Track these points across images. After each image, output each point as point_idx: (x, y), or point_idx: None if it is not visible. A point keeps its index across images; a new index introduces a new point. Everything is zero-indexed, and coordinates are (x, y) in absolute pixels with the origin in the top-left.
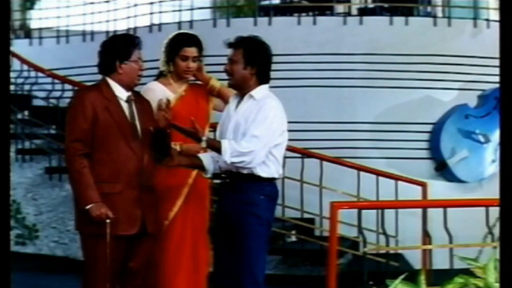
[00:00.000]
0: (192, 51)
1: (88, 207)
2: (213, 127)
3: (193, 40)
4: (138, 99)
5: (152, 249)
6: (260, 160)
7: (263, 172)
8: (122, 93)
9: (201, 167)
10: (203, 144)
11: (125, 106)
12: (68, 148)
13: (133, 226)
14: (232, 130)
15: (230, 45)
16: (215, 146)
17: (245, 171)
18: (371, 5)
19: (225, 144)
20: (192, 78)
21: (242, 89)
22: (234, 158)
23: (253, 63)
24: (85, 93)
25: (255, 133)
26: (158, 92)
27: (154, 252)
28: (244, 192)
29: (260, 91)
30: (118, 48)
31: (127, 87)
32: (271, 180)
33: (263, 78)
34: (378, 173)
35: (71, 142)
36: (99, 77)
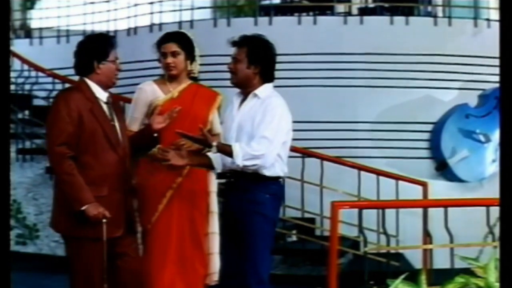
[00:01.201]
0: (168, 46)
1: (84, 207)
2: None
3: (170, 37)
4: (113, 100)
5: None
6: (271, 162)
7: (268, 171)
8: (102, 94)
9: (209, 166)
10: (214, 150)
11: (105, 107)
12: (55, 152)
13: (119, 228)
14: (235, 130)
15: (234, 43)
16: (226, 151)
17: (250, 171)
18: (371, 5)
19: (236, 148)
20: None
21: (245, 88)
22: (246, 161)
23: (257, 62)
24: (69, 95)
25: (265, 134)
26: (149, 92)
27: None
28: (249, 191)
29: (265, 90)
30: (95, 48)
31: (106, 87)
32: (276, 179)
33: (267, 77)
34: (379, 173)
35: (58, 146)
36: None
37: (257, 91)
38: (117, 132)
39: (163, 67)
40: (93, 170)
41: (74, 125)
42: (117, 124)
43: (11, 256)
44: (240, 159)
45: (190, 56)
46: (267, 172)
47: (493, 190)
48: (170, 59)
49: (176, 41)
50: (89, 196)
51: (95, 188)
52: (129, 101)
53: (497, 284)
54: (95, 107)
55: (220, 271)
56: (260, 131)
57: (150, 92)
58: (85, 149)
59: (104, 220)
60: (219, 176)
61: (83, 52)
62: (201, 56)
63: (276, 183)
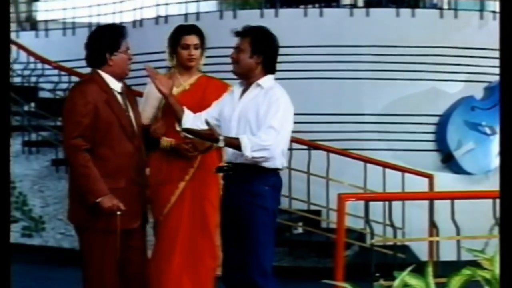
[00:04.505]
0: (192, 38)
1: (98, 199)
2: None
3: (193, 29)
4: (126, 90)
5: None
6: (279, 153)
7: (268, 163)
8: (116, 85)
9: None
10: (221, 144)
11: (120, 98)
12: (70, 144)
13: (135, 220)
14: (236, 119)
15: (237, 33)
16: (233, 144)
17: (248, 162)
18: None
19: (244, 140)
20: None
21: (247, 78)
22: (255, 152)
23: (260, 52)
24: (85, 87)
25: (273, 124)
26: None
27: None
28: (248, 183)
29: (267, 81)
30: (106, 40)
31: (119, 78)
32: (275, 171)
33: (269, 67)
34: (385, 165)
35: (73, 138)
36: None
37: (260, 81)
38: (132, 123)
39: (182, 58)
40: (110, 162)
41: (90, 117)
42: (132, 115)
43: (17, 248)
44: (249, 150)
45: (203, 50)
46: (266, 164)
47: (498, 183)
48: (193, 51)
49: (197, 34)
50: (103, 188)
51: (112, 180)
52: (135, 93)
53: None
54: (111, 98)
55: (222, 264)
56: (267, 121)
57: None
58: (101, 141)
59: (118, 213)
60: (217, 170)
61: (94, 44)
62: (207, 48)
63: (275, 174)
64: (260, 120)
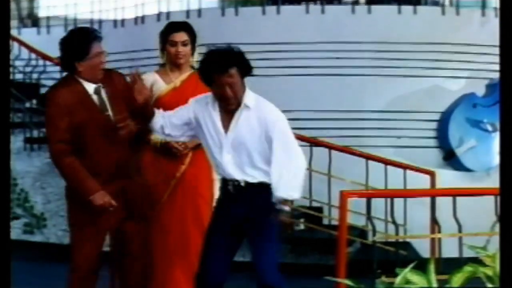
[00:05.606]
0: (180, 35)
1: (91, 197)
2: None
3: (181, 26)
4: (109, 81)
5: (147, 236)
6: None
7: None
8: (89, 86)
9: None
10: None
11: (95, 98)
12: (54, 150)
13: (117, 218)
14: (230, 145)
15: (222, 69)
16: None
17: (256, 181)
18: None
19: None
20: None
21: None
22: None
23: (246, 74)
24: (55, 92)
25: (289, 141)
26: (149, 83)
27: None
28: (260, 198)
29: (250, 98)
30: (74, 48)
31: (92, 81)
32: None
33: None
34: (387, 162)
35: (55, 144)
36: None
37: (246, 102)
38: (111, 121)
39: (170, 55)
40: (85, 161)
41: (65, 120)
42: (111, 113)
43: (18, 245)
44: (297, 192)
45: (194, 46)
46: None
47: None
48: (181, 48)
49: (186, 30)
50: (93, 186)
51: None
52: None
53: None
54: (84, 99)
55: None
56: (285, 145)
57: (150, 82)
58: (77, 142)
59: (111, 209)
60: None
61: (63, 52)
62: (209, 44)
63: None
64: (267, 143)
